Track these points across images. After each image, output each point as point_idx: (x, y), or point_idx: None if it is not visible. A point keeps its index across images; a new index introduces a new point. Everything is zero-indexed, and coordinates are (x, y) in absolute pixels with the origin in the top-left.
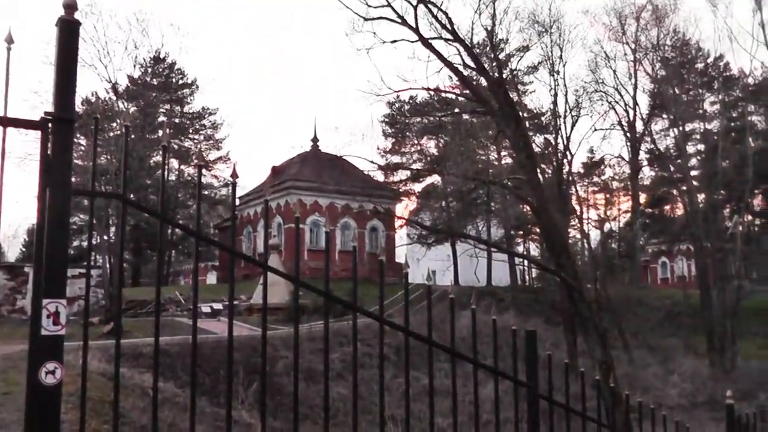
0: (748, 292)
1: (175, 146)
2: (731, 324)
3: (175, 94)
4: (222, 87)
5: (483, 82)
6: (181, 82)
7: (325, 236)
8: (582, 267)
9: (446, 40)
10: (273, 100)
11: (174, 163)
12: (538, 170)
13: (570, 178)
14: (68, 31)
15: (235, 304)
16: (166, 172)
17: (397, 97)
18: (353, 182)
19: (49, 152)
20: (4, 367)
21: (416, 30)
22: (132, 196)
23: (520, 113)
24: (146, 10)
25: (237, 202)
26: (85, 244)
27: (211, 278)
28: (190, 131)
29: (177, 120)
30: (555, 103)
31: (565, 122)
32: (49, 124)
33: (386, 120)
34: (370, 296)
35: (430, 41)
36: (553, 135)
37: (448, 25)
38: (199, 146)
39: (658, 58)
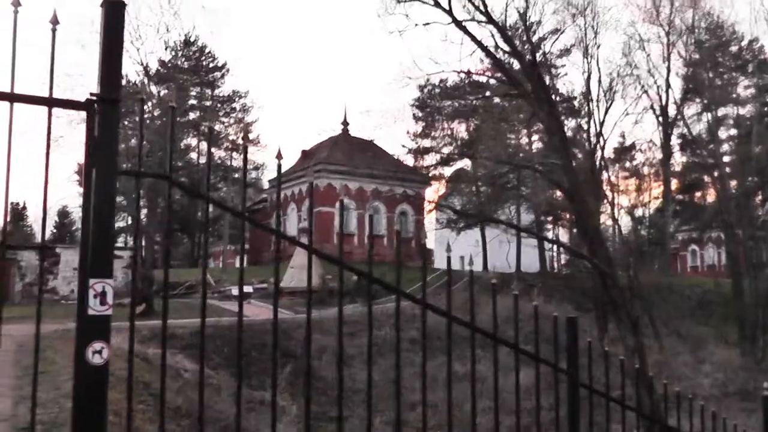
0: None
1: (205, 129)
2: (763, 313)
3: (205, 77)
4: (252, 69)
5: (516, 65)
6: (211, 65)
7: (369, 220)
8: (613, 254)
9: (480, 22)
10: (303, 83)
11: (203, 145)
12: (571, 155)
13: (603, 163)
14: (113, 12)
15: (265, 287)
16: (209, 156)
17: (428, 80)
18: (383, 166)
19: (95, 133)
20: (41, 346)
21: (450, 12)
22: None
23: (553, 97)
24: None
25: (266, 185)
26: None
27: (239, 261)
28: (221, 114)
29: (207, 103)
30: (588, 86)
31: (598, 106)
32: (95, 105)
33: (416, 104)
34: (403, 280)
35: (463, 23)
36: (586, 119)
37: (482, 7)
38: (243, 124)
39: (692, 41)
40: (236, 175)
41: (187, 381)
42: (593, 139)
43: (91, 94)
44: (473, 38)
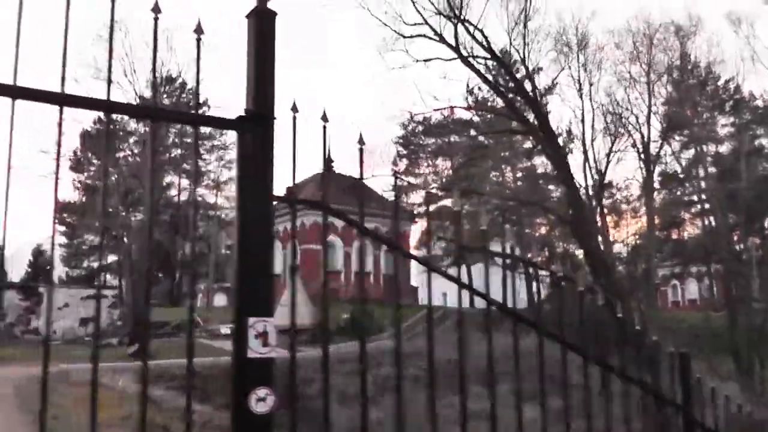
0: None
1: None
2: (758, 347)
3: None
4: (235, 104)
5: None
6: (191, 102)
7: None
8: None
9: (484, 58)
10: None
11: (185, 182)
12: (577, 189)
13: (601, 199)
14: (263, 21)
15: None
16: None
17: (411, 118)
18: (369, 203)
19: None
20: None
21: (456, 48)
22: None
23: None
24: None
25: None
26: (94, 264)
27: (220, 299)
28: (203, 151)
29: (189, 140)
30: (583, 123)
31: (593, 144)
32: (246, 123)
33: (400, 141)
34: (389, 318)
35: (469, 59)
36: (583, 155)
37: (485, 43)
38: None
39: (670, 80)
40: (215, 213)
41: (196, 422)
42: (592, 175)
43: (246, 110)
44: (479, 74)
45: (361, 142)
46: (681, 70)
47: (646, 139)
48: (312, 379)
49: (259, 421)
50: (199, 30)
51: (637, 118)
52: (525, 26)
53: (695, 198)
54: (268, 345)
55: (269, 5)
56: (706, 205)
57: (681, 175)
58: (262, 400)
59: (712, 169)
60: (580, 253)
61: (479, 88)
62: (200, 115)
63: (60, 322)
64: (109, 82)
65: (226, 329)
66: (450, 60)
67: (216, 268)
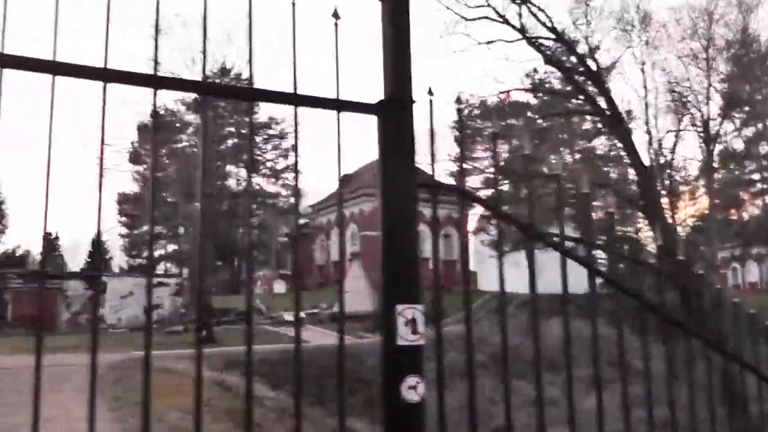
0: None
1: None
2: None
3: (241, 104)
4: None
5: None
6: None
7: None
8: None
9: (550, 39)
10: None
11: (242, 172)
12: (650, 173)
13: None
14: (397, 4)
15: (316, 312)
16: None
17: (467, 101)
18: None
19: (387, 140)
20: (119, 376)
21: (521, 29)
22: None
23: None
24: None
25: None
26: (156, 253)
27: (278, 287)
28: (258, 141)
29: (244, 130)
30: (647, 102)
31: (657, 123)
32: (386, 108)
33: (456, 126)
34: (451, 307)
35: (534, 40)
36: (648, 134)
37: (548, 23)
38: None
39: (730, 56)
40: (272, 201)
41: (272, 409)
42: (655, 155)
43: (389, 96)
44: (545, 55)
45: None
46: (741, 44)
47: (706, 117)
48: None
49: (411, 410)
50: (336, 15)
51: (696, 96)
52: (587, 4)
53: (756, 177)
54: (417, 332)
55: None
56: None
57: (742, 154)
58: (413, 388)
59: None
60: (641, 236)
61: (535, 71)
62: (342, 100)
63: (125, 310)
64: (252, 68)
65: (289, 316)
66: (513, 42)
67: (275, 256)
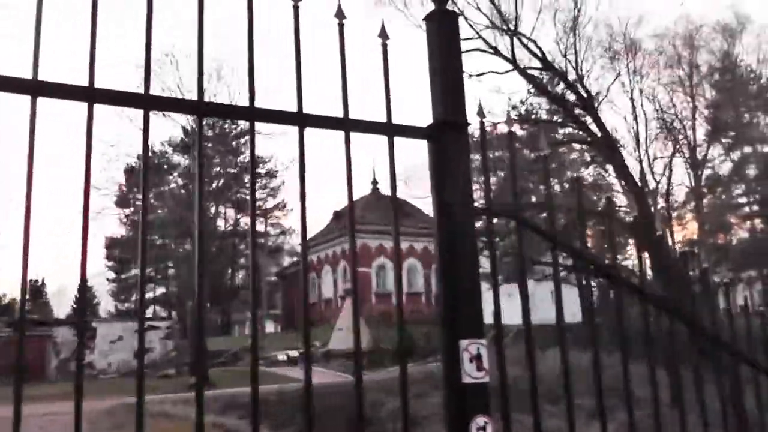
0: None
1: (231, 196)
2: None
3: (229, 144)
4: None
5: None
6: (234, 132)
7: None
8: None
9: (540, 69)
10: (328, 143)
11: (230, 212)
12: (645, 200)
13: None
14: (447, 22)
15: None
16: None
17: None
18: (417, 224)
19: (443, 165)
20: (113, 423)
21: (512, 60)
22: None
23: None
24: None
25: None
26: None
27: (268, 326)
28: (245, 180)
29: (232, 170)
30: (637, 129)
31: (647, 151)
32: (438, 132)
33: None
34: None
35: (526, 70)
36: (638, 163)
37: (539, 54)
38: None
39: (714, 82)
40: (261, 240)
41: None
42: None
43: (442, 120)
44: (537, 86)
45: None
46: (724, 70)
47: (692, 143)
48: (382, 403)
49: None
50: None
51: (682, 122)
52: (575, 34)
53: (743, 200)
54: (483, 369)
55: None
56: (755, 207)
57: (729, 178)
58: (481, 429)
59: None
60: (628, 263)
61: (522, 102)
62: (394, 124)
63: (115, 355)
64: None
65: (282, 355)
66: (504, 73)
67: (265, 296)
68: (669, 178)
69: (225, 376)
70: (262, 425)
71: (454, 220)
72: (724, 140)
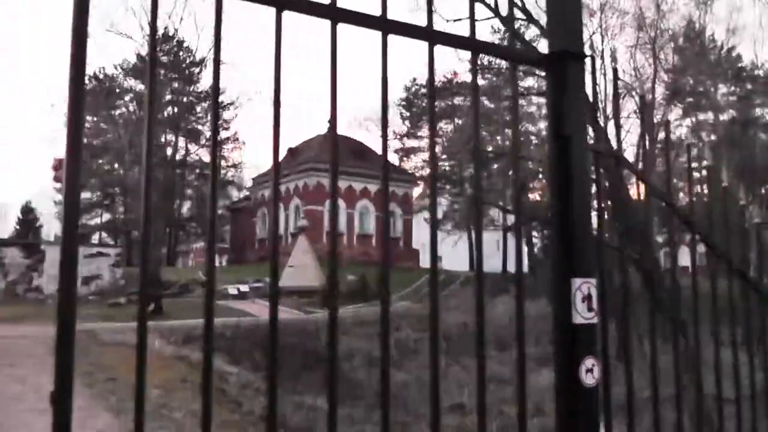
0: None
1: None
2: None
3: (183, 73)
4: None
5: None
6: (189, 60)
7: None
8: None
9: (522, 20)
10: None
11: (181, 142)
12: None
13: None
14: None
15: (260, 286)
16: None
17: (414, 80)
18: (372, 166)
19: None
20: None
21: (494, 9)
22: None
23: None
24: None
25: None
26: (91, 222)
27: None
28: (198, 110)
29: (185, 99)
30: (595, 91)
31: (615, 110)
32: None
33: (403, 103)
34: (393, 282)
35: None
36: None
37: (519, 2)
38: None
39: (673, 48)
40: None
41: (236, 385)
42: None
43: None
44: (516, 34)
45: None
46: (687, 37)
47: (650, 105)
48: (339, 341)
49: (588, 394)
50: None
51: (642, 85)
52: None
53: (694, 165)
54: (593, 309)
55: None
56: (704, 172)
57: (682, 142)
58: (590, 371)
59: (713, 137)
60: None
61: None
62: (517, 49)
63: None
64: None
65: (233, 289)
66: (481, 21)
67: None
68: (619, 137)
69: (176, 307)
70: (222, 359)
71: (570, 154)
72: (679, 105)
